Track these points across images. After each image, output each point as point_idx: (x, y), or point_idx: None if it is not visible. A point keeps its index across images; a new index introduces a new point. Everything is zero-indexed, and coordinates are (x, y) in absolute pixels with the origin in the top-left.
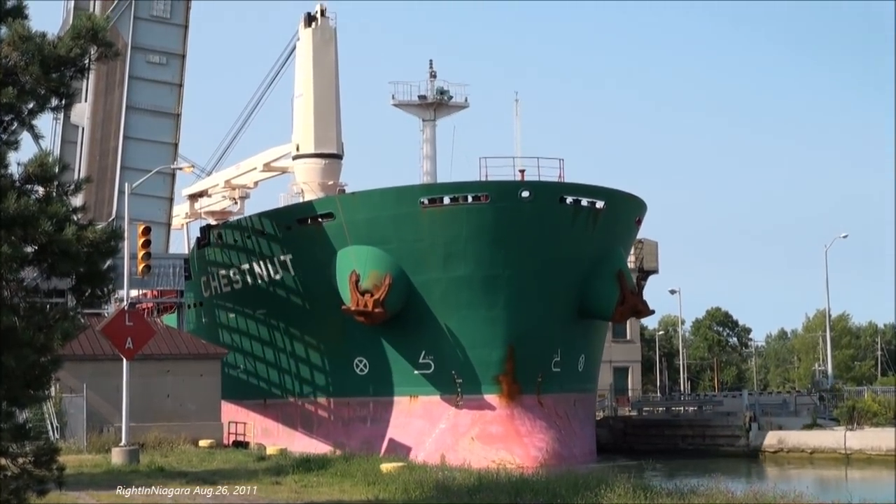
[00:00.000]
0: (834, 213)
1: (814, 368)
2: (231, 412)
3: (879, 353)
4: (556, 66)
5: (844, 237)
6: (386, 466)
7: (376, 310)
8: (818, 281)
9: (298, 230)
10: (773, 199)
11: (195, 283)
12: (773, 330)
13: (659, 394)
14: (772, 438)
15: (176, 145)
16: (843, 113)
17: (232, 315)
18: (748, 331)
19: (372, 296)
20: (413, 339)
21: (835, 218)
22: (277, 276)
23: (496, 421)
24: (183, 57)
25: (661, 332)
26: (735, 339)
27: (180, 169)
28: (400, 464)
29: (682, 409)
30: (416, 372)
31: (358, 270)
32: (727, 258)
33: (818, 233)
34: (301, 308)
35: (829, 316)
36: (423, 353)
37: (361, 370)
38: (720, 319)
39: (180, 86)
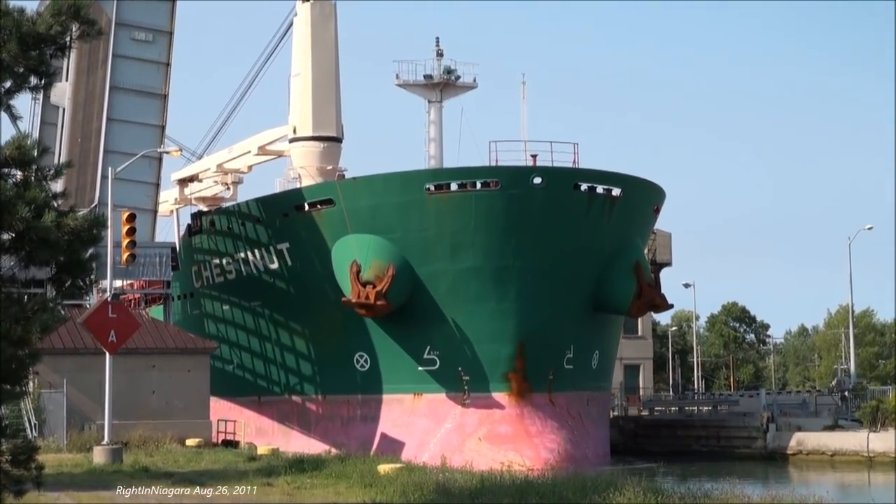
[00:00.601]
0: (858, 204)
1: (835, 367)
2: (223, 409)
3: None
4: (567, 47)
5: (869, 229)
6: (383, 468)
7: (378, 302)
8: (841, 275)
9: (296, 217)
10: (794, 189)
11: (185, 273)
12: (793, 326)
13: (671, 393)
14: (790, 440)
15: (163, 127)
16: (867, 102)
17: (224, 307)
18: (766, 327)
19: (374, 287)
20: (417, 334)
21: (859, 209)
22: (273, 266)
23: (505, 420)
24: (170, 34)
25: (674, 328)
26: (752, 335)
27: (167, 153)
28: (398, 465)
29: (695, 408)
30: (420, 368)
31: (359, 260)
32: (744, 250)
33: (841, 224)
34: (298, 300)
35: (853, 312)
36: (428, 348)
37: (362, 366)
38: (736, 315)
39: (167, 65)
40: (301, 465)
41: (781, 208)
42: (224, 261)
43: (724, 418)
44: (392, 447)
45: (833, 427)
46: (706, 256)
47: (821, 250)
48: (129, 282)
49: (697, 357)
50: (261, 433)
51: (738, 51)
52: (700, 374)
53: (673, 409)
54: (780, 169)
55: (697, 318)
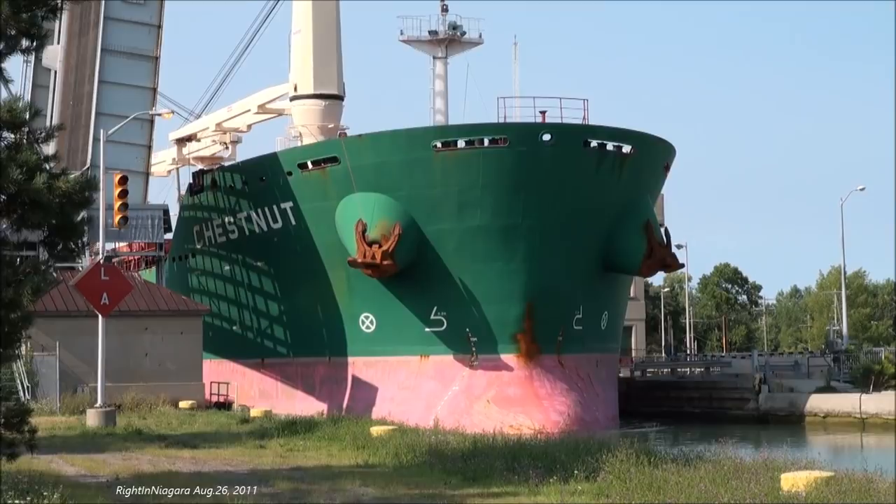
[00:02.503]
0: (851, 165)
1: (828, 328)
2: (226, 372)
3: None
4: (574, 4)
5: (861, 189)
6: (376, 430)
7: (384, 262)
8: (833, 236)
9: (300, 176)
10: (787, 149)
11: (187, 233)
12: (785, 287)
13: (664, 354)
14: (782, 402)
15: (154, 90)
16: (860, 63)
17: (227, 267)
18: (758, 288)
19: (380, 247)
20: (424, 294)
21: (852, 170)
22: (277, 226)
23: (514, 383)
24: None
25: (666, 289)
26: (744, 296)
27: (159, 115)
28: (390, 427)
29: (688, 370)
30: (427, 329)
31: (365, 219)
32: (737, 211)
33: (834, 185)
34: (302, 260)
35: (845, 273)
36: (435, 309)
37: (367, 327)
38: (729, 276)
39: (159, 27)
40: (293, 427)
41: (774, 169)
42: (226, 220)
43: (717, 380)
44: (398, 410)
45: (825, 389)
46: (698, 217)
47: (813, 211)
48: (122, 244)
49: (690, 318)
50: (264, 396)
51: (733, 15)
52: (692, 335)
53: (665, 370)
54: (771, 130)
55: (690, 279)
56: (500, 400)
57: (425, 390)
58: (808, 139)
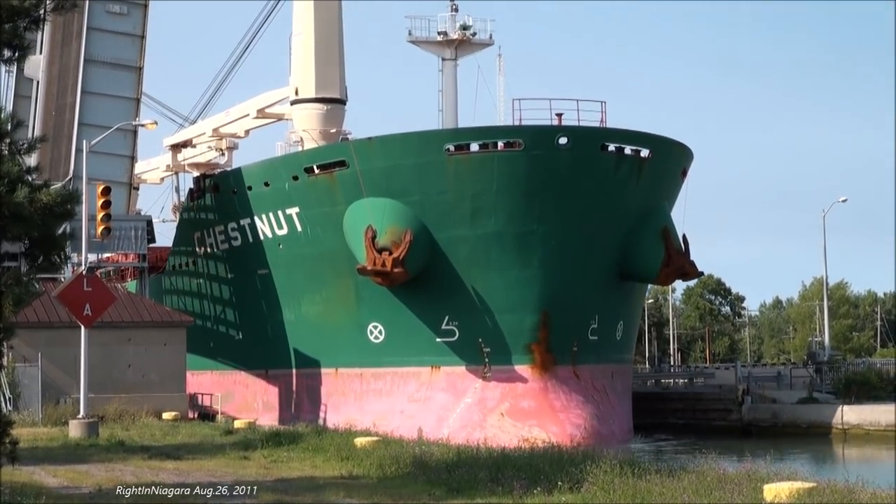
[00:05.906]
0: (833, 177)
1: (810, 339)
2: (229, 382)
3: (879, 323)
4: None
5: (843, 201)
6: (360, 441)
7: (395, 269)
8: (816, 247)
9: (306, 180)
10: (770, 161)
11: (187, 239)
12: (768, 299)
13: (648, 365)
14: (765, 412)
15: (138, 100)
16: (846, 75)
17: (230, 275)
18: (742, 299)
19: (390, 254)
20: (435, 303)
21: (834, 181)
22: (282, 232)
23: (528, 395)
24: (145, 6)
25: (650, 301)
26: (728, 308)
27: (142, 126)
28: (374, 438)
29: (671, 381)
30: (438, 340)
31: (374, 225)
32: (720, 223)
33: (816, 197)
34: (308, 267)
35: (827, 284)
36: (447, 318)
37: (376, 337)
38: (712, 287)
39: (142, 37)
40: (278, 438)
41: (756, 181)
42: (229, 226)
43: (700, 391)
44: (408, 423)
45: (808, 400)
46: (681, 228)
47: (795, 223)
48: (109, 255)
49: (673, 330)
50: (268, 407)
51: (721, 28)
52: (676, 346)
53: (649, 382)
54: (755, 141)
55: (673, 290)
56: (515, 412)
57: (436, 403)
58: (792, 150)
